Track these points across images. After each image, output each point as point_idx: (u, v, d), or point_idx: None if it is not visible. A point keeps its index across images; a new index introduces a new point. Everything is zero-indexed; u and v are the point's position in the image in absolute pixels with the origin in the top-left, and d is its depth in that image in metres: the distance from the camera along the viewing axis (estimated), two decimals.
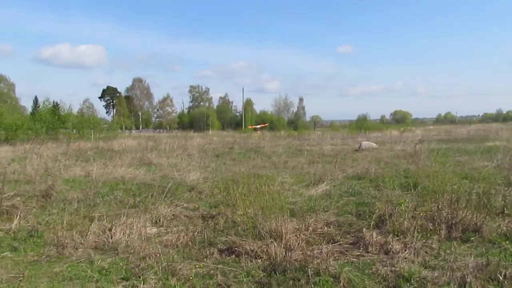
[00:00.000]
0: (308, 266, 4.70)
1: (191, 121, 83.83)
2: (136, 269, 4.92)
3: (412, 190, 8.36)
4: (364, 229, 5.98)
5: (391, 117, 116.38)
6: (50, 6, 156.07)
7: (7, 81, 75.99)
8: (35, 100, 63.72)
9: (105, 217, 7.07)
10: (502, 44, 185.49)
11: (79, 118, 38.70)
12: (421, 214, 6.43)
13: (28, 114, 49.49)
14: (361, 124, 56.10)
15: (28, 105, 77.35)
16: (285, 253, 5.06)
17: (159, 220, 7.14)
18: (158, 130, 77.76)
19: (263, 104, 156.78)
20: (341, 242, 5.77)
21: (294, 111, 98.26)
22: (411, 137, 30.51)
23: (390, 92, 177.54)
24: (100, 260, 5.26)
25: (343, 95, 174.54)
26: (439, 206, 6.57)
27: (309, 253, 5.10)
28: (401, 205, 6.64)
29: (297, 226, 6.23)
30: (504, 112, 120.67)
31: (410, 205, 6.92)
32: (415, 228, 5.86)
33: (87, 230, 6.33)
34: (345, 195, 9.06)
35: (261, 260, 5.11)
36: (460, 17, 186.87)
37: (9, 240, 6.23)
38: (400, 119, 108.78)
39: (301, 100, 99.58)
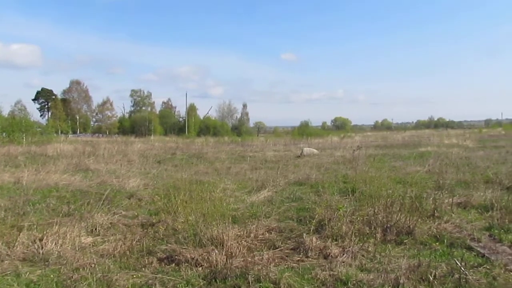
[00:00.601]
0: (249, 273, 4.68)
1: (132, 126, 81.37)
2: (68, 281, 4.65)
3: (351, 195, 8.62)
4: (305, 234, 6.07)
5: (332, 123, 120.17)
6: None
7: None
8: None
9: (35, 226, 6.68)
10: (433, 55, 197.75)
11: (10, 120, 36.32)
12: (359, 218, 6.64)
13: None
14: (303, 130, 57.53)
15: None
16: (226, 260, 5.01)
17: (95, 229, 6.82)
18: (97, 134, 74.75)
19: (207, 110, 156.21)
20: (282, 247, 5.82)
21: (238, 117, 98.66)
22: (351, 143, 31.70)
23: (332, 99, 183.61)
24: (28, 273, 4.92)
25: (286, 102, 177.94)
26: (375, 210, 6.83)
27: (250, 259, 5.09)
28: (339, 210, 6.83)
29: (239, 233, 6.20)
30: (436, 119, 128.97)
31: (348, 210, 7.14)
32: (352, 232, 6.05)
33: (15, 241, 5.91)
34: (287, 201, 9.19)
35: (202, 268, 5.03)
36: (393, 28, 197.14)
37: None
38: (340, 126, 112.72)
39: (245, 106, 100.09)
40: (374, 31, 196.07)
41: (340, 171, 13.96)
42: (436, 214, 7.27)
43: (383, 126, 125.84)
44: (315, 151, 23.28)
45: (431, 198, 8.05)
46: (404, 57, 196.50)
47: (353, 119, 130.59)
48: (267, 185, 10.72)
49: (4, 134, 33.49)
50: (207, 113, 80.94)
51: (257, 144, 33.46)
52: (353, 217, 6.79)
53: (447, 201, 8.15)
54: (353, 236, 5.91)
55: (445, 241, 5.97)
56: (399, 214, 6.52)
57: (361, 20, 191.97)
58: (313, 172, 13.09)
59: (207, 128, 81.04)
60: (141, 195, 9.85)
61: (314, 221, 6.51)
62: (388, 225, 6.36)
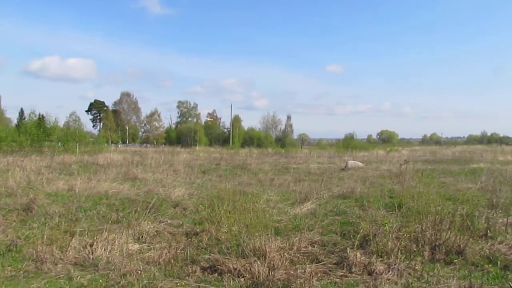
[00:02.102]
0: (291, 286, 4.66)
1: (179, 137, 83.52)
2: (116, 286, 4.82)
3: (397, 211, 8.38)
4: (348, 249, 5.96)
5: (378, 136, 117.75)
6: (40, 19, 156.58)
7: None
8: (21, 112, 63.11)
9: (86, 232, 6.94)
10: (488, 68, 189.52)
11: (65, 131, 38.35)
12: (405, 235, 6.41)
13: (13, 126, 48.94)
14: (348, 143, 56.73)
15: (13, 117, 76.58)
16: (269, 272, 5.00)
17: (142, 237, 7.01)
18: (144, 145, 77.35)
19: (251, 121, 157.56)
20: (325, 262, 5.73)
21: (282, 128, 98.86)
22: (397, 157, 30.86)
23: (378, 112, 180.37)
24: (79, 277, 5.13)
25: (331, 114, 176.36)
26: (423, 227, 6.59)
27: (292, 272, 5.05)
28: (385, 226, 6.64)
29: (281, 245, 6.18)
30: (489, 134, 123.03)
31: (394, 226, 6.93)
32: (399, 249, 5.86)
33: (68, 246, 6.18)
34: (330, 214, 9.06)
35: (244, 279, 5.05)
36: (445, 41, 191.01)
37: None
38: (386, 139, 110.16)
39: (289, 118, 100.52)
40: (423, 44, 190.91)
41: (386, 185, 13.61)
42: (489, 234, 6.90)
43: (432, 141, 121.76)
44: (360, 164, 22.84)
45: (484, 217, 7.64)
46: (454, 70, 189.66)
47: (400, 132, 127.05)
48: (311, 198, 10.62)
49: (59, 143, 35.37)
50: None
51: (301, 156, 33.32)
52: (399, 233, 6.57)
53: (501, 220, 7.72)
54: (399, 253, 5.72)
55: (499, 263, 5.64)
56: (449, 232, 6.25)
57: (409, 33, 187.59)
58: (358, 186, 12.85)
59: (251, 139, 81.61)
60: (186, 204, 10.04)
61: (358, 235, 6.37)
62: (437, 243, 6.11)
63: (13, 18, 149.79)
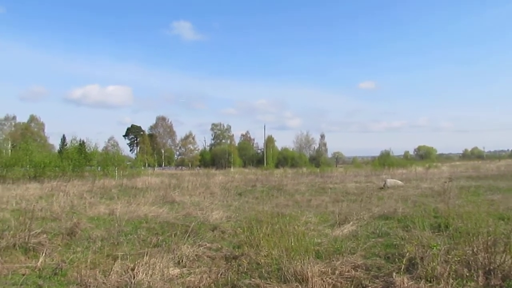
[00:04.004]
0: None
1: (213, 159, 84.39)
2: None
3: (444, 232, 8.00)
4: (394, 274, 5.69)
5: (415, 152, 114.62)
6: (82, 50, 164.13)
7: (38, 121, 79.62)
8: (63, 139, 65.99)
9: (128, 256, 6.98)
10: None
11: (104, 155, 39.50)
12: (455, 258, 6.07)
13: (55, 152, 51.01)
14: (385, 160, 55.61)
15: (56, 143, 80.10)
16: None
17: (182, 261, 6.98)
18: (180, 167, 78.52)
19: (285, 141, 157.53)
20: (370, 287, 5.50)
21: (316, 147, 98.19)
22: (438, 174, 29.92)
23: (414, 127, 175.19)
24: None
25: (365, 131, 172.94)
26: (474, 250, 6.21)
27: None
28: (432, 248, 6.33)
29: (323, 269, 5.98)
30: None
31: (443, 248, 6.59)
32: (449, 273, 5.54)
33: (110, 270, 6.24)
34: (372, 236, 8.77)
35: None
36: (485, 54, 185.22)
37: (34, 278, 6.18)
38: (424, 155, 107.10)
39: (322, 136, 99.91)
40: (458, 57, 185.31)
41: (429, 205, 13.09)
42: None
43: (473, 155, 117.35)
44: (399, 182, 22.21)
45: None
46: (493, 81, 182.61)
47: (438, 147, 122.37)
48: (350, 219, 10.35)
49: (99, 168, 36.44)
50: None
51: (337, 175, 32.86)
52: (448, 256, 6.24)
53: None
54: (449, 278, 5.41)
55: None
56: (504, 255, 5.85)
57: (443, 47, 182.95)
58: (399, 206, 12.43)
59: (285, 160, 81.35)
60: (224, 227, 9.99)
61: (404, 259, 6.10)
62: (491, 268, 5.73)
63: (56, 50, 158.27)
